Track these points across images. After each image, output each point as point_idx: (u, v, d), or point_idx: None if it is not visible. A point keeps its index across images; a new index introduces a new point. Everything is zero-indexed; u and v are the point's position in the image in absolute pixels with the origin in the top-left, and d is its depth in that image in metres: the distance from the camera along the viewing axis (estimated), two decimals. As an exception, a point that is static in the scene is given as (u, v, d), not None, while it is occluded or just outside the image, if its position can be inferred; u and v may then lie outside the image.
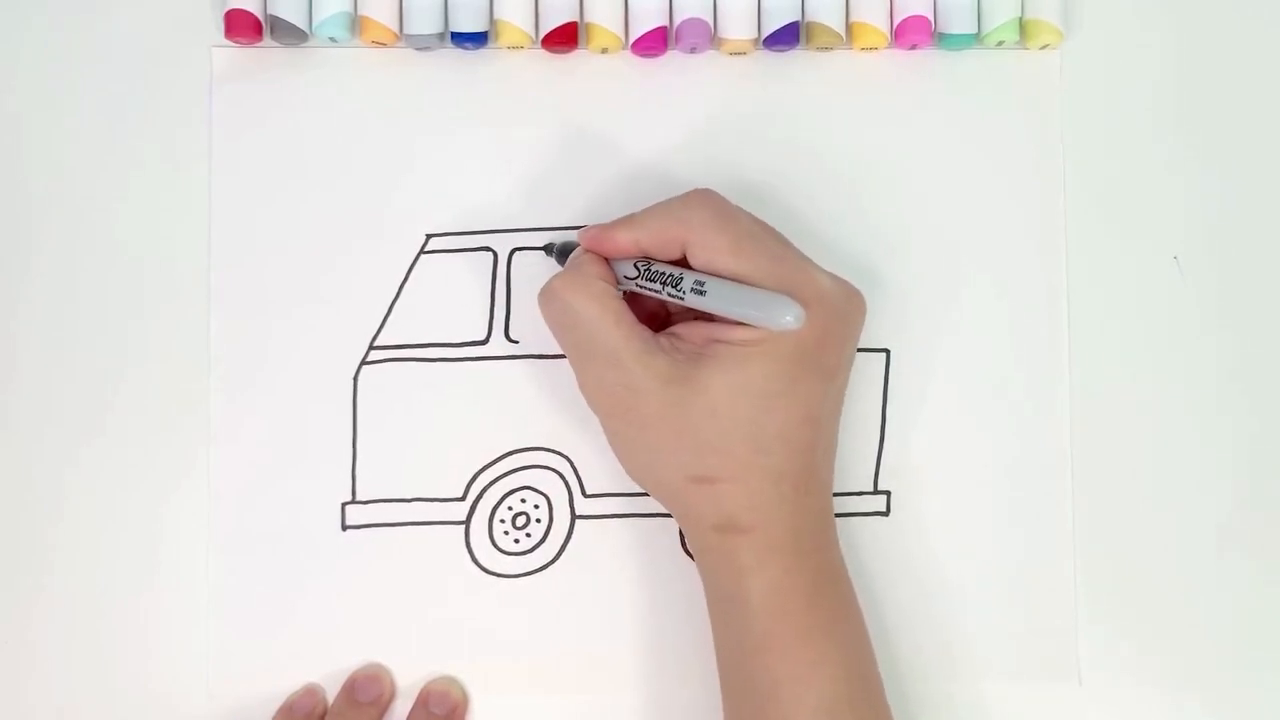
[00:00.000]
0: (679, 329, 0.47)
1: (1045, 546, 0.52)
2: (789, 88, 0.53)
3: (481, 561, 0.52)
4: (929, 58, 0.53)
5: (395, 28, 0.51)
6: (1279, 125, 0.53)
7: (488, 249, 0.52)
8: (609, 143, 0.53)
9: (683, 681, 0.51)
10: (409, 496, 0.52)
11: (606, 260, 0.48)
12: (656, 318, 0.50)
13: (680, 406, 0.45)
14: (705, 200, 0.47)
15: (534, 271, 0.52)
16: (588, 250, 0.48)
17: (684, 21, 0.51)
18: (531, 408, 0.52)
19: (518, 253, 0.52)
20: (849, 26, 0.52)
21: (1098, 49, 0.53)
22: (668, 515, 0.51)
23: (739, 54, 0.53)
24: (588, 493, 0.52)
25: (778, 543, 0.46)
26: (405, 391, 0.52)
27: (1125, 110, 0.53)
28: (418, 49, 0.52)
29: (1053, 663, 0.52)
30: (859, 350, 0.49)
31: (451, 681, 0.52)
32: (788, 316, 0.44)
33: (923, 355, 0.53)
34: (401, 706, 0.51)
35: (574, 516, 0.52)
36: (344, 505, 0.52)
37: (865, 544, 0.52)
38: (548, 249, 0.51)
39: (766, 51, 0.53)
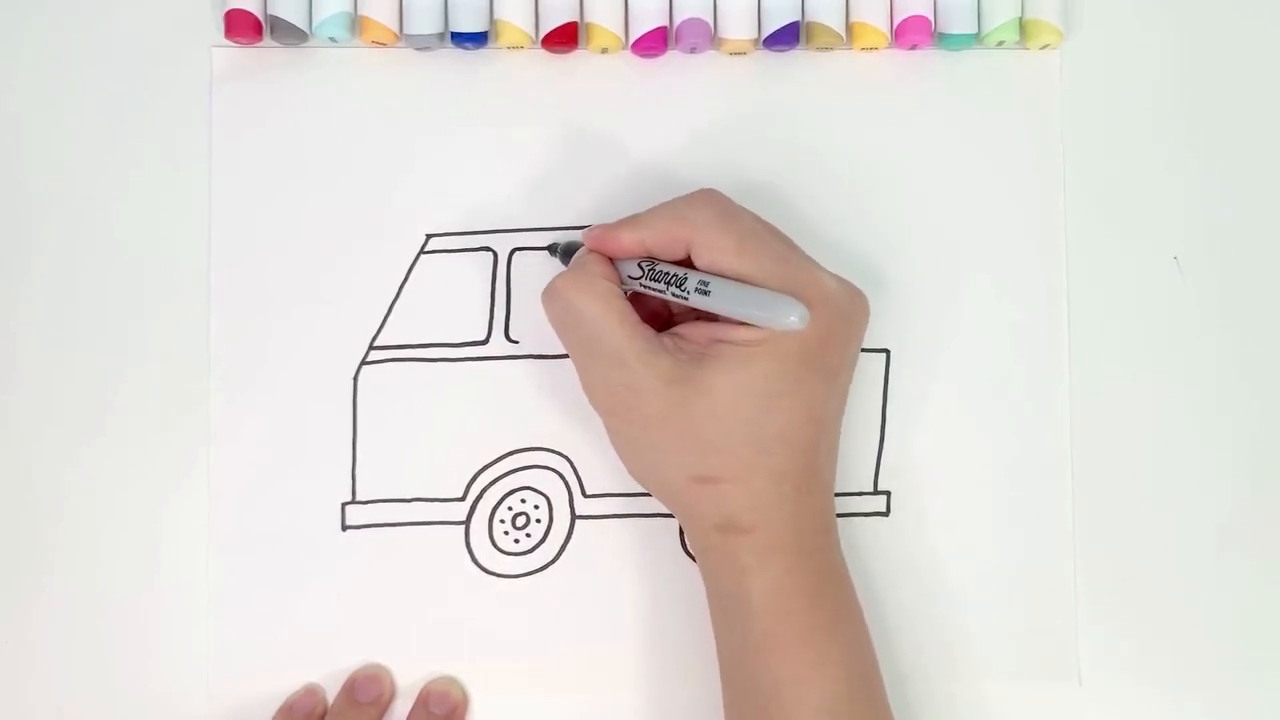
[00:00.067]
0: (682, 329, 0.47)
1: (1045, 546, 0.52)
2: (789, 88, 0.53)
3: (481, 561, 0.52)
4: (929, 58, 0.53)
5: (395, 28, 0.51)
6: (1279, 125, 0.54)
7: (488, 249, 0.52)
8: (609, 143, 0.53)
9: (683, 681, 0.51)
10: (409, 496, 0.52)
11: (610, 260, 0.48)
12: (659, 317, 0.50)
13: (683, 406, 0.45)
14: (710, 200, 0.47)
15: (534, 271, 0.52)
16: (592, 250, 0.48)
17: (684, 21, 0.51)
18: (531, 408, 0.52)
19: (518, 253, 0.52)
20: (849, 26, 0.52)
21: (1098, 49, 0.53)
22: (668, 515, 0.51)
23: (739, 54, 0.53)
24: (588, 493, 0.52)
25: (779, 543, 0.46)
26: (405, 391, 0.52)
27: (1125, 110, 0.53)
28: (418, 49, 0.52)
29: (1053, 663, 0.52)
30: (859, 350, 0.49)
31: (451, 681, 0.52)
32: (792, 317, 0.44)
33: (923, 355, 0.53)
34: (401, 706, 0.51)
35: (574, 516, 0.52)
36: (344, 505, 0.52)
37: (865, 544, 0.52)
38: (551, 249, 0.51)
39: (766, 51, 0.53)
